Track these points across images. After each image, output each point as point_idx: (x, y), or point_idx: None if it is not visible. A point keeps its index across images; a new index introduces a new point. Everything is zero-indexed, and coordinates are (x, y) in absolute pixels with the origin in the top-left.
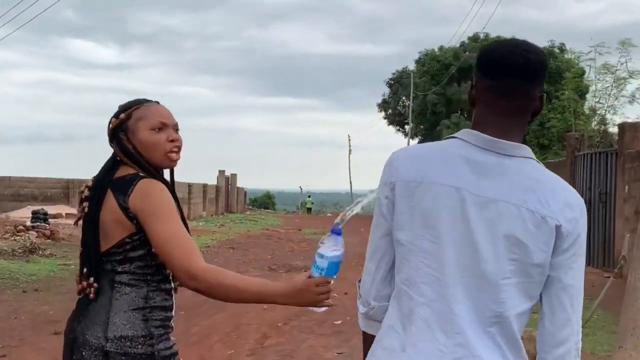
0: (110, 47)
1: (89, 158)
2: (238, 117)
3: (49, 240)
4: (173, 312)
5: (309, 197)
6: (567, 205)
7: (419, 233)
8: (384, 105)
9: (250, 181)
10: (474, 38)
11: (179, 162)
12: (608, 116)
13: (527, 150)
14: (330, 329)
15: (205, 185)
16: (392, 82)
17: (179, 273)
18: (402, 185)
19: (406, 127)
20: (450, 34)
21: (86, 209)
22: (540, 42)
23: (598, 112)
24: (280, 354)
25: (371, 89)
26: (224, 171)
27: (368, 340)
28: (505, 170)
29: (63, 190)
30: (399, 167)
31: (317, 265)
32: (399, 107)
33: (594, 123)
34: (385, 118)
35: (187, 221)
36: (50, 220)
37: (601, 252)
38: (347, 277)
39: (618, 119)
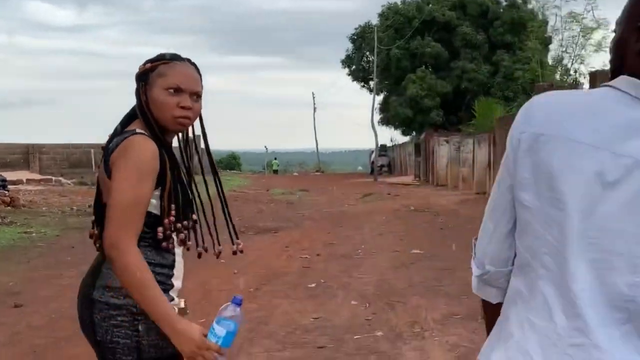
0: (67, 8)
1: (49, 122)
2: None
3: (9, 208)
4: (174, 270)
5: (275, 159)
6: None
7: (544, 195)
8: (347, 62)
9: (215, 142)
10: None
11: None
12: (575, 65)
13: None
14: (304, 293)
15: None
16: (355, 37)
17: (105, 236)
18: (530, 137)
19: (371, 82)
20: None
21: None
22: None
23: (563, 62)
24: (255, 321)
25: (335, 45)
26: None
27: (487, 308)
28: None
29: (23, 155)
30: (534, 115)
31: (214, 333)
32: (362, 63)
33: (557, 74)
34: (349, 74)
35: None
36: (10, 187)
37: None
38: (318, 237)
39: (584, 69)
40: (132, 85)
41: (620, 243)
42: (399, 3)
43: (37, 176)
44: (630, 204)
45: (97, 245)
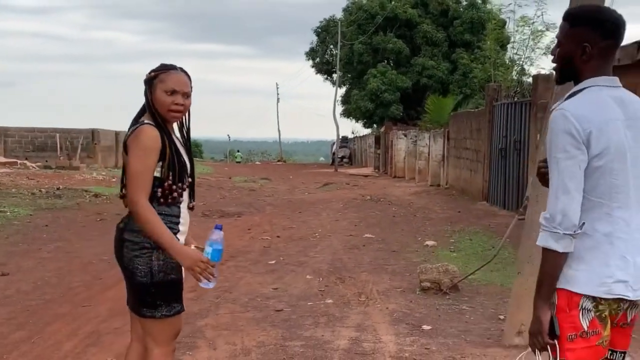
0: None
1: (9, 105)
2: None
3: None
4: (180, 218)
5: (238, 151)
6: None
7: (612, 159)
8: (312, 54)
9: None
10: None
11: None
12: (525, 67)
13: None
14: (264, 268)
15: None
16: (320, 30)
17: (127, 197)
18: (596, 129)
19: (334, 75)
20: None
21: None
22: None
23: (517, 63)
24: (220, 290)
25: (300, 36)
26: None
27: (560, 259)
28: (629, 98)
29: None
30: (586, 117)
31: (206, 251)
32: (326, 56)
33: (514, 73)
34: (313, 67)
35: (116, 169)
36: None
37: (515, 196)
38: (279, 222)
39: (534, 70)
40: (95, 68)
41: None
42: None
43: (3, 159)
44: (637, 145)
45: (125, 202)
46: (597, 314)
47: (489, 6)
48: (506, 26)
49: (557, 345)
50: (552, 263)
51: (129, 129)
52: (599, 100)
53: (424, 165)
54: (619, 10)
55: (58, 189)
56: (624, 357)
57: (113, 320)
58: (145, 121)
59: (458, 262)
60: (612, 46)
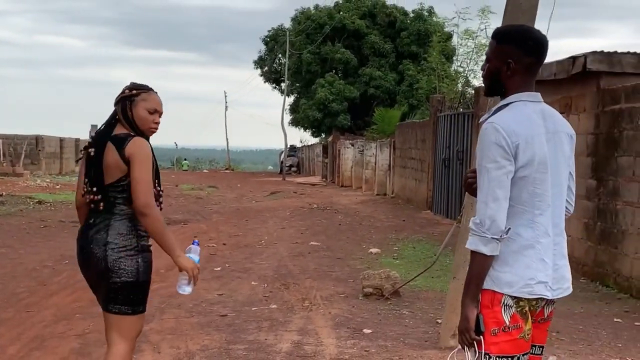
0: None
1: None
2: (111, 69)
3: None
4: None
5: (185, 159)
6: (569, 124)
7: (536, 169)
8: (260, 63)
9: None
10: None
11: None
12: (470, 79)
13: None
14: (210, 275)
15: (77, 140)
16: (269, 39)
17: (138, 202)
18: (523, 141)
19: (282, 84)
20: None
21: (92, 154)
22: (410, 4)
23: (461, 75)
24: (165, 296)
25: (248, 45)
26: (96, 125)
27: (487, 262)
28: (550, 113)
29: None
30: (514, 131)
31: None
32: (275, 65)
33: (459, 85)
34: (261, 75)
35: (60, 176)
36: None
37: (458, 205)
38: (225, 229)
39: (477, 83)
40: (41, 73)
41: (562, 179)
42: (311, 9)
43: None
44: (560, 155)
45: (100, 206)
46: (518, 309)
47: (435, 18)
48: (452, 39)
49: (483, 340)
50: (480, 265)
51: (101, 136)
52: (525, 115)
53: (371, 174)
54: (554, 26)
55: (1, 195)
56: (542, 351)
57: (57, 325)
58: (131, 133)
59: (400, 269)
60: (534, 63)
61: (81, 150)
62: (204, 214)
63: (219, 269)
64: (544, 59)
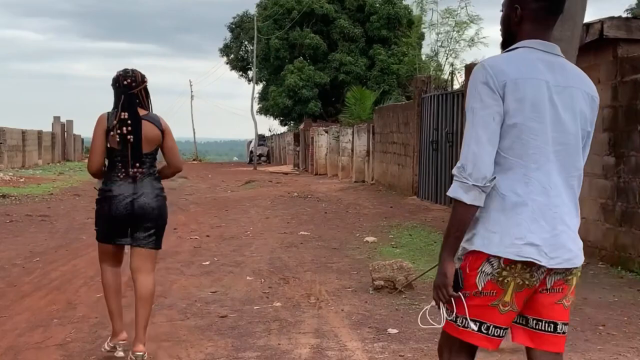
0: None
1: None
2: (71, 61)
3: None
4: None
5: None
6: (593, 86)
7: (528, 116)
8: (225, 50)
9: (88, 129)
10: None
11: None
12: (450, 59)
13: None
14: (198, 270)
15: (40, 132)
16: (234, 26)
17: (177, 160)
18: (511, 81)
19: (249, 72)
20: None
21: (129, 130)
22: None
23: (434, 58)
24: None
25: (212, 35)
26: (59, 117)
27: (469, 212)
28: (563, 66)
29: None
30: (504, 70)
31: None
32: (241, 52)
33: (431, 69)
34: (227, 63)
35: (24, 169)
36: None
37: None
38: (205, 220)
39: (458, 63)
40: None
41: (570, 138)
42: None
43: None
44: (569, 112)
45: (142, 171)
46: (496, 277)
47: (405, 2)
48: (426, 20)
49: (462, 298)
50: (460, 215)
51: (132, 116)
52: (524, 59)
53: (348, 161)
54: None
55: None
56: (559, 329)
57: (33, 334)
58: (155, 113)
59: (405, 258)
60: (543, 8)
61: (110, 130)
62: (180, 205)
63: (207, 263)
64: (556, 6)
